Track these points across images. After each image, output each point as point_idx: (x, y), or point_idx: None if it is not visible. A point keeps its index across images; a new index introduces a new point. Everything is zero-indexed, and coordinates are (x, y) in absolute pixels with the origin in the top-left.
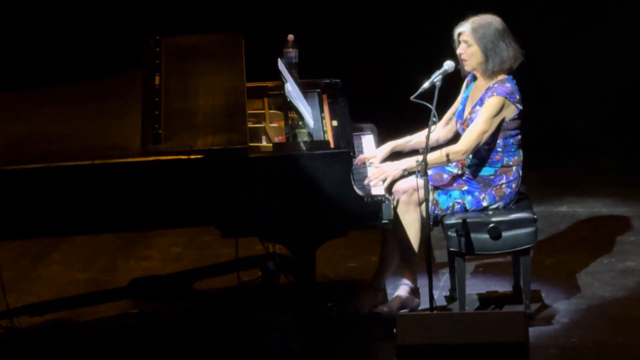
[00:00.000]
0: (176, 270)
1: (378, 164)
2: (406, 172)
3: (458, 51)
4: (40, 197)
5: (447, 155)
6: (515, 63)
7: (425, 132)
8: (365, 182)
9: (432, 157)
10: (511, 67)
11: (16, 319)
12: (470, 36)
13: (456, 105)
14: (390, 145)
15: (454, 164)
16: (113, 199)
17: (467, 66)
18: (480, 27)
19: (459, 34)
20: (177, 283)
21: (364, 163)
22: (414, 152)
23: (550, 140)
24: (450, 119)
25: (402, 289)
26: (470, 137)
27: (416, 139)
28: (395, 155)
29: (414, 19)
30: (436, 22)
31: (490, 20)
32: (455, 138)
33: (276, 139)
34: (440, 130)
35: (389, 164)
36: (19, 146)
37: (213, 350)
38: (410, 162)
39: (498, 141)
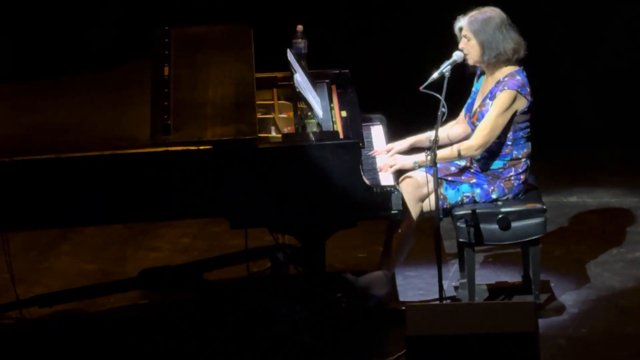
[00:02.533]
0: (185, 261)
1: (393, 155)
2: (417, 166)
3: (460, 46)
4: (49, 188)
5: (459, 151)
6: (515, 55)
7: (444, 129)
8: (377, 166)
9: (442, 153)
10: (509, 58)
11: (26, 310)
12: (467, 30)
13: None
14: (410, 140)
15: None
16: (122, 190)
17: (470, 60)
18: (476, 20)
19: (460, 29)
20: (186, 274)
21: (375, 154)
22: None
23: (559, 131)
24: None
25: (377, 273)
26: (482, 133)
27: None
28: (414, 151)
29: (424, 9)
30: (445, 13)
31: (489, 14)
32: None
33: (285, 130)
34: (458, 126)
35: (401, 156)
36: (29, 136)
37: (222, 342)
38: (422, 157)
39: (508, 134)
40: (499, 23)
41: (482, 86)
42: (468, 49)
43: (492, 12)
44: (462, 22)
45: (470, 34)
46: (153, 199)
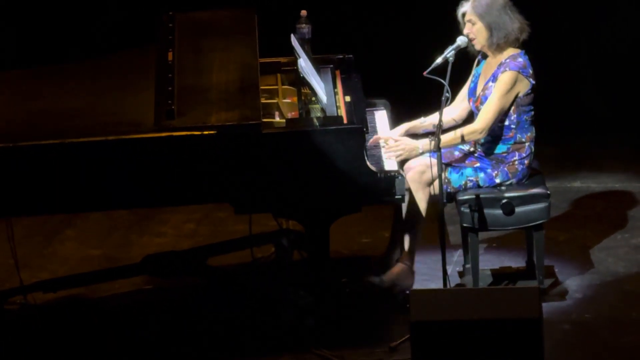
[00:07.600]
0: (190, 247)
1: (397, 137)
2: (421, 151)
3: (465, 32)
4: (54, 173)
5: (462, 135)
6: (522, 35)
7: (446, 111)
8: (383, 152)
9: (446, 138)
10: (517, 38)
11: (30, 295)
12: (472, 14)
13: (468, 84)
14: (404, 127)
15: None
16: (126, 175)
17: (477, 45)
18: (480, 4)
19: (463, 15)
20: (191, 259)
21: (377, 143)
22: (428, 133)
23: (564, 116)
24: (464, 98)
25: (398, 266)
26: (486, 116)
27: (430, 120)
28: (409, 137)
29: None
30: None
31: None
32: (470, 117)
33: (289, 115)
34: (455, 110)
35: (408, 139)
36: (34, 122)
37: (227, 327)
38: (426, 143)
39: (512, 117)
40: (502, 4)
41: (483, 70)
42: (474, 34)
43: None
44: (466, 7)
45: (476, 18)
46: (157, 184)
